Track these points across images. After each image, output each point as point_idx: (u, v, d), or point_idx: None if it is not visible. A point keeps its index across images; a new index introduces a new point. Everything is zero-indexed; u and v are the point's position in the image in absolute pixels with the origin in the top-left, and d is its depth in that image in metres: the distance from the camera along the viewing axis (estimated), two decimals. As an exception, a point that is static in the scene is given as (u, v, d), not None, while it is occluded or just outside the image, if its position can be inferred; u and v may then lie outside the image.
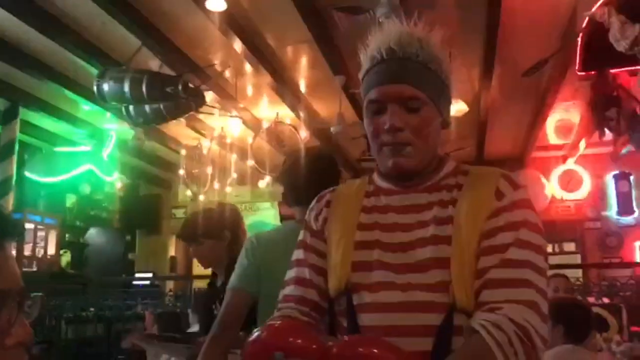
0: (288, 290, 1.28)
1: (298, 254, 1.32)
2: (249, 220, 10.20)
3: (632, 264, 7.72)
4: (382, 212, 1.22)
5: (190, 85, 5.36)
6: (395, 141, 1.16)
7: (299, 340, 1.01)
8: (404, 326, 1.09)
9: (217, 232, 2.69)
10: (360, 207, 1.24)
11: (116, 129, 7.60)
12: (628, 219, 9.03)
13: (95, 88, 5.07)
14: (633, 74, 4.84)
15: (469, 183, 1.19)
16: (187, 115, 5.99)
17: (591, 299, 5.93)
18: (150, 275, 9.33)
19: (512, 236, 1.10)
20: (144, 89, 4.92)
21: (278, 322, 1.11)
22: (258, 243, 2.05)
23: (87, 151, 7.92)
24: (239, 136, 7.56)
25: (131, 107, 5.30)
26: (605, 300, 5.95)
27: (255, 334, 1.07)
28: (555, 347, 2.77)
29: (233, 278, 2.03)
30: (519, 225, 1.12)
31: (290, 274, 1.30)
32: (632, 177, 8.95)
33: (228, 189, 8.01)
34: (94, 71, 5.43)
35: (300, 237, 1.33)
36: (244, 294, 1.98)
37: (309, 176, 1.96)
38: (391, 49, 1.16)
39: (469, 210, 1.13)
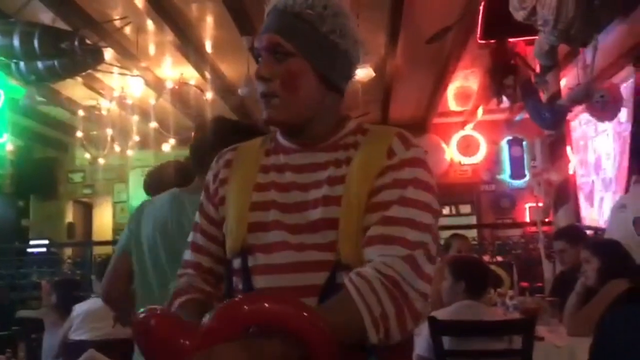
0: (187, 254, 1.31)
1: (197, 216, 1.32)
2: (152, 184, 9.94)
3: (523, 224, 8.23)
4: (279, 171, 1.21)
5: (88, 41, 5.07)
6: (265, 91, 1.16)
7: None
8: (290, 287, 1.09)
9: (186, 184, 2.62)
10: (258, 166, 1.23)
11: (5, 87, 7.09)
12: (520, 182, 9.59)
13: (-21, 42, 4.68)
14: (529, 43, 5.06)
15: (364, 142, 1.18)
16: (83, 73, 5.68)
17: (486, 257, 6.28)
18: (46, 242, 8.91)
19: (396, 194, 1.10)
20: (35, 44, 4.60)
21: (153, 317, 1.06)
22: (139, 210, 2.19)
23: (-28, 110, 7.35)
24: (141, 97, 7.26)
25: (22, 64, 4.95)
26: (499, 258, 6.33)
27: (141, 316, 1.06)
28: (456, 302, 2.91)
29: (118, 244, 2.22)
30: (406, 184, 1.11)
31: (190, 237, 1.32)
32: (524, 143, 9.47)
33: (129, 152, 7.72)
34: (-22, 23, 5.01)
35: (200, 198, 1.32)
36: (126, 257, 2.14)
37: (212, 140, 1.95)
38: (275, 2, 1.18)
39: (360, 169, 1.13)
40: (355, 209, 1.11)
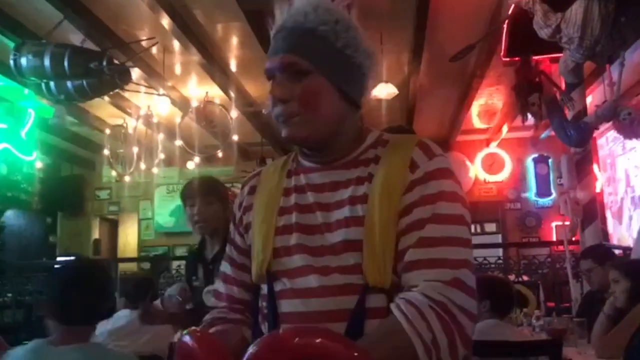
0: (218, 285, 1.32)
1: (227, 246, 1.33)
2: (176, 202, 10.02)
3: (549, 243, 8.10)
4: (300, 192, 1.18)
5: (116, 61, 5.16)
6: (283, 113, 1.13)
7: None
8: (318, 311, 1.06)
9: (225, 197, 2.63)
10: (281, 190, 1.21)
11: (35, 106, 7.25)
12: (546, 200, 9.48)
13: (11, 62, 4.80)
14: (554, 60, 5.03)
15: (385, 155, 1.14)
16: (111, 92, 5.77)
17: (511, 277, 6.20)
18: (72, 258, 9.01)
19: (428, 211, 1.06)
20: (65, 64, 4.70)
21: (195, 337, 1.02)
22: None
23: (3, 129, 7.52)
24: (167, 115, 7.38)
25: (52, 83, 5.05)
26: (525, 277, 6.23)
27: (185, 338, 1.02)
28: (481, 321, 2.88)
29: None
30: (436, 198, 1.07)
31: (221, 267, 1.33)
32: (550, 160, 9.37)
33: (155, 170, 7.82)
34: (11, 44, 5.14)
35: (230, 228, 1.33)
36: None
37: None
38: (284, 20, 1.14)
39: (382, 187, 1.09)
40: (379, 230, 1.06)
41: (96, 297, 1.80)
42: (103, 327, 3.45)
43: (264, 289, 1.17)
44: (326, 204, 1.14)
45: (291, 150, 1.31)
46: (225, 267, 1.31)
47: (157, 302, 3.84)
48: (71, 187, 10.07)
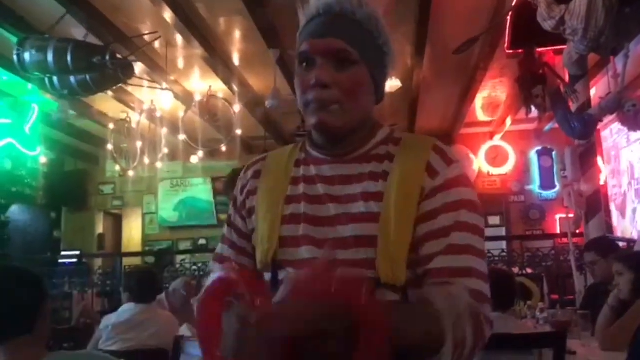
0: (212, 267, 1.29)
1: (224, 229, 1.31)
2: (180, 196, 10.05)
3: (553, 236, 8.10)
4: (310, 182, 1.17)
5: (119, 56, 5.16)
6: (324, 98, 1.10)
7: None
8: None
9: None
10: (289, 178, 1.19)
11: (38, 101, 7.26)
12: (550, 193, 9.46)
13: (15, 57, 4.80)
14: (558, 52, 5.01)
15: (399, 155, 1.14)
16: (114, 87, 5.78)
17: (515, 270, 6.20)
18: (77, 253, 9.06)
19: (452, 218, 1.08)
20: (69, 59, 4.70)
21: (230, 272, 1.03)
22: None
23: (7, 124, 7.53)
24: (170, 110, 7.37)
25: (55, 78, 5.06)
26: (528, 270, 6.24)
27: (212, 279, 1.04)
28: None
29: None
30: (458, 206, 1.09)
31: (217, 249, 1.30)
32: (554, 153, 9.35)
33: (159, 164, 7.83)
34: (14, 39, 5.14)
35: (230, 210, 1.30)
36: None
37: None
38: (328, 4, 1.13)
39: (400, 187, 1.10)
40: (395, 227, 1.07)
41: (20, 307, 1.63)
42: (108, 321, 3.47)
43: (267, 277, 1.15)
44: (337, 197, 1.13)
45: (294, 142, 1.30)
46: (223, 249, 1.28)
47: (162, 296, 3.87)
48: (75, 182, 10.10)
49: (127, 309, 3.48)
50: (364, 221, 1.09)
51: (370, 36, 1.14)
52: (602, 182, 6.48)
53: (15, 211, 9.05)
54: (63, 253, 9.35)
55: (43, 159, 8.76)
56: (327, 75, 1.10)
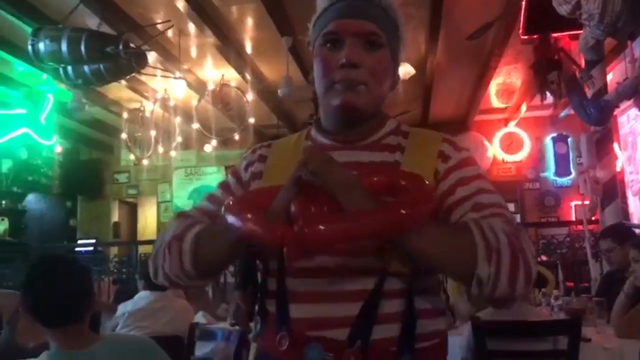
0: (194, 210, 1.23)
1: (217, 192, 1.25)
2: (194, 184, 10.10)
3: (568, 223, 8.04)
4: None
5: (132, 45, 5.17)
6: (352, 78, 1.10)
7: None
8: (332, 292, 1.04)
9: None
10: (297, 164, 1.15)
11: (53, 91, 7.31)
12: (565, 180, 9.38)
13: (29, 48, 4.83)
14: (574, 37, 4.95)
15: (410, 146, 1.15)
16: (128, 76, 5.79)
17: (530, 257, 6.16)
18: (93, 241, 9.14)
19: (474, 187, 1.09)
20: (82, 48, 4.72)
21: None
22: None
23: (23, 114, 7.60)
24: (183, 98, 7.40)
25: (69, 68, 5.08)
26: (543, 257, 6.20)
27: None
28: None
29: None
30: (475, 178, 1.11)
31: (201, 204, 1.24)
32: (569, 140, 9.27)
33: (173, 153, 7.86)
34: (28, 30, 5.17)
35: (226, 180, 1.27)
36: None
37: None
38: None
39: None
40: None
41: (76, 291, 1.68)
42: (124, 309, 3.50)
43: (273, 264, 1.11)
44: None
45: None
46: (216, 209, 1.18)
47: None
48: (90, 170, 10.18)
49: (143, 296, 3.51)
50: None
51: (393, 23, 1.18)
52: (618, 169, 6.41)
53: (31, 200, 9.17)
54: (79, 241, 9.44)
55: (58, 148, 8.85)
56: (356, 55, 1.11)
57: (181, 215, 1.21)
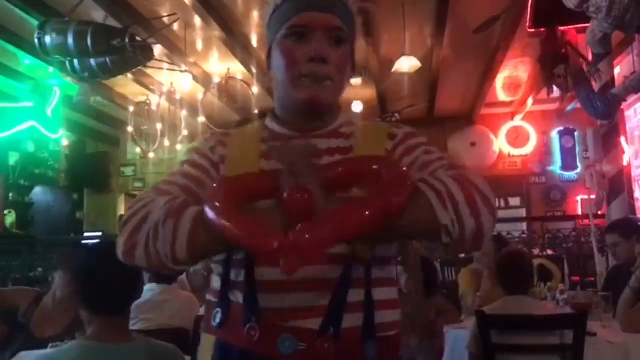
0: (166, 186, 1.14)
1: (183, 168, 1.19)
2: (200, 177, 10.12)
3: (574, 217, 8.03)
4: None
5: (138, 38, 5.17)
6: (319, 73, 1.11)
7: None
8: (300, 280, 1.01)
9: None
10: (258, 152, 1.16)
11: (60, 84, 7.32)
12: (571, 174, 9.35)
13: (36, 41, 4.84)
14: (581, 31, 4.93)
15: (362, 133, 1.20)
16: (134, 69, 5.80)
17: (536, 251, 6.16)
18: (99, 234, 9.18)
19: (419, 151, 1.14)
20: (89, 41, 4.72)
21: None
22: None
23: (30, 107, 7.62)
24: (189, 92, 7.40)
25: (75, 61, 5.09)
26: (549, 251, 6.19)
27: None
28: (503, 297, 2.88)
29: None
30: (421, 145, 1.16)
31: (172, 178, 1.17)
32: (576, 134, 9.23)
33: (179, 146, 7.87)
34: (35, 23, 5.18)
35: (191, 158, 1.21)
36: None
37: None
38: None
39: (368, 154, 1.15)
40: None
41: (130, 280, 1.67)
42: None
43: (238, 254, 1.09)
44: None
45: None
46: (190, 184, 1.15)
47: (183, 277, 3.92)
48: (97, 163, 10.21)
49: (149, 289, 3.52)
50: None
51: (352, 17, 1.19)
52: (625, 163, 6.38)
53: (38, 193, 9.21)
54: (85, 234, 9.48)
55: (65, 142, 8.88)
56: (326, 51, 1.12)
57: (162, 190, 1.12)
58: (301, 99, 1.13)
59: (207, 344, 1.12)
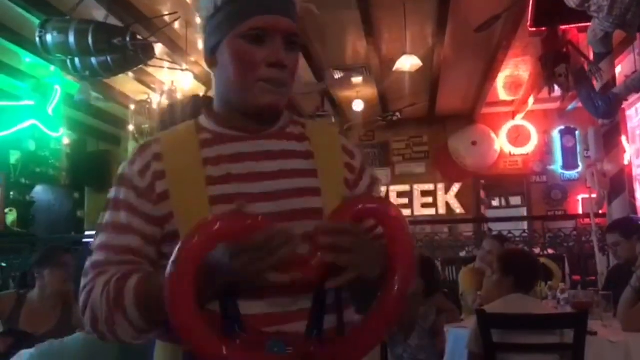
0: (108, 257, 1.12)
1: (118, 216, 1.14)
2: (201, 176, 10.13)
3: (575, 216, 8.03)
4: (234, 161, 1.11)
5: (139, 37, 5.17)
6: (280, 79, 1.11)
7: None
8: (282, 286, 0.98)
9: None
10: (200, 159, 1.11)
11: (61, 83, 7.32)
12: (572, 173, 9.35)
13: (37, 39, 4.84)
14: (582, 30, 4.92)
15: (314, 137, 1.21)
16: (135, 68, 5.80)
17: (536, 250, 6.16)
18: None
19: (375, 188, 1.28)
20: (90, 40, 4.72)
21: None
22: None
23: (31, 106, 7.62)
24: (190, 90, 7.39)
25: (77, 60, 5.09)
26: (550, 251, 6.19)
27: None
28: (505, 295, 2.88)
29: None
30: (376, 179, 1.28)
31: (108, 239, 1.14)
32: (577, 133, 9.23)
33: (179, 145, 7.86)
34: (36, 21, 5.18)
35: (120, 195, 1.16)
36: None
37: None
38: None
39: (328, 165, 1.18)
40: (336, 201, 1.11)
41: None
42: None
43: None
44: (271, 173, 1.12)
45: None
46: (127, 239, 1.12)
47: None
48: (97, 162, 10.19)
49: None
50: (306, 195, 1.11)
51: (297, 22, 1.16)
52: (626, 162, 6.37)
53: (39, 191, 9.20)
54: (87, 232, 9.48)
55: (66, 140, 8.87)
56: (284, 55, 1.11)
57: (99, 262, 1.13)
58: (260, 104, 1.12)
59: (168, 356, 1.10)
